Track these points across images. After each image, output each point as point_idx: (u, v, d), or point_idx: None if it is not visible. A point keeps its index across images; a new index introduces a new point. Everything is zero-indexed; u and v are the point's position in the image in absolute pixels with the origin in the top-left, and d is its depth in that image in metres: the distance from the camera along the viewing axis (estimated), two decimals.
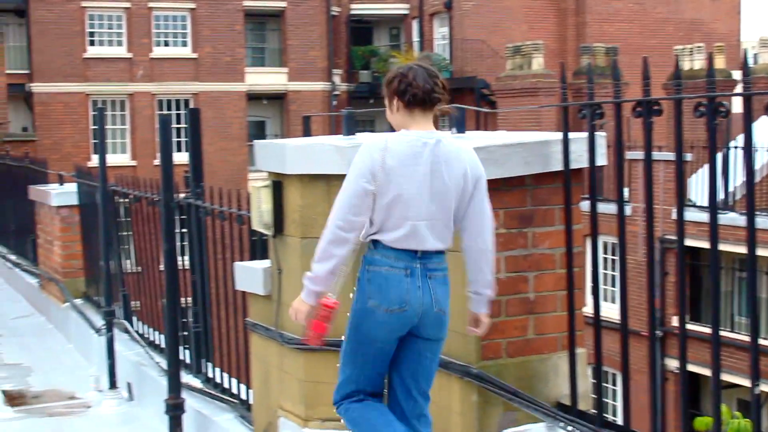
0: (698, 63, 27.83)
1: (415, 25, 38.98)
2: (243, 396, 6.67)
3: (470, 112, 5.54)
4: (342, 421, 4.34)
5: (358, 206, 4.02)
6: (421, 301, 4.03)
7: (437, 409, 4.75)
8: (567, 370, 4.55)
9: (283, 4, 36.96)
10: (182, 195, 7.36)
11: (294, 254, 5.37)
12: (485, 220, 4.10)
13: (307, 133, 6.84)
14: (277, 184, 5.46)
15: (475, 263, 4.14)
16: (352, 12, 39.52)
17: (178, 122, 31.30)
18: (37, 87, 33.77)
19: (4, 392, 9.03)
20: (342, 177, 4.13)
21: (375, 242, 4.09)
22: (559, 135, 4.55)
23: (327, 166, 5.02)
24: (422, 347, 4.15)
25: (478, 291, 4.19)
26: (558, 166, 4.54)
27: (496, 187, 4.49)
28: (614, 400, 22.91)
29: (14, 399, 8.86)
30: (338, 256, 4.06)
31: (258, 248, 6.29)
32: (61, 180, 11.87)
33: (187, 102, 35.21)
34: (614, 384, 22.95)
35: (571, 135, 4.51)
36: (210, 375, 7.30)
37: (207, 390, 7.19)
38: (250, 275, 5.92)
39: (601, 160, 4.52)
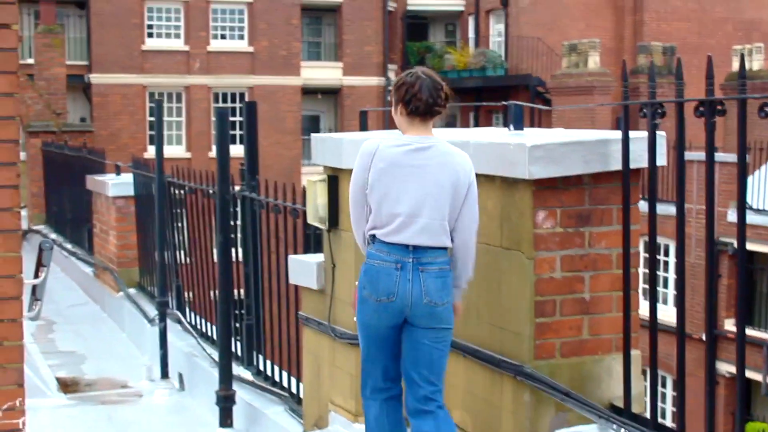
0: (757, 63, 27.42)
1: (471, 22, 38.81)
2: (293, 389, 6.70)
3: (525, 109, 5.51)
4: None
5: (358, 201, 4.53)
6: (410, 292, 4.36)
7: (488, 408, 4.73)
8: (621, 371, 4.50)
9: None
10: (237, 188, 7.40)
11: (348, 249, 5.37)
12: (474, 221, 4.47)
13: (363, 127, 6.83)
14: (333, 179, 5.46)
15: (462, 260, 4.49)
16: (408, 8, 39.48)
17: (233, 115, 31.46)
18: (95, 78, 34.12)
19: (58, 379, 9.14)
20: None
21: (373, 238, 4.44)
22: (619, 134, 4.50)
23: None
24: (418, 335, 4.43)
25: (461, 285, 4.55)
26: (617, 165, 4.48)
27: (553, 185, 4.46)
28: (663, 402, 22.70)
29: (68, 386, 8.97)
30: (359, 235, 4.61)
31: (312, 242, 6.30)
32: (118, 170, 11.98)
33: (242, 95, 35.37)
34: (663, 386, 22.73)
35: (631, 134, 4.46)
36: (261, 367, 7.32)
37: (257, 382, 7.22)
38: (303, 269, 5.93)
39: (661, 160, 4.46)
